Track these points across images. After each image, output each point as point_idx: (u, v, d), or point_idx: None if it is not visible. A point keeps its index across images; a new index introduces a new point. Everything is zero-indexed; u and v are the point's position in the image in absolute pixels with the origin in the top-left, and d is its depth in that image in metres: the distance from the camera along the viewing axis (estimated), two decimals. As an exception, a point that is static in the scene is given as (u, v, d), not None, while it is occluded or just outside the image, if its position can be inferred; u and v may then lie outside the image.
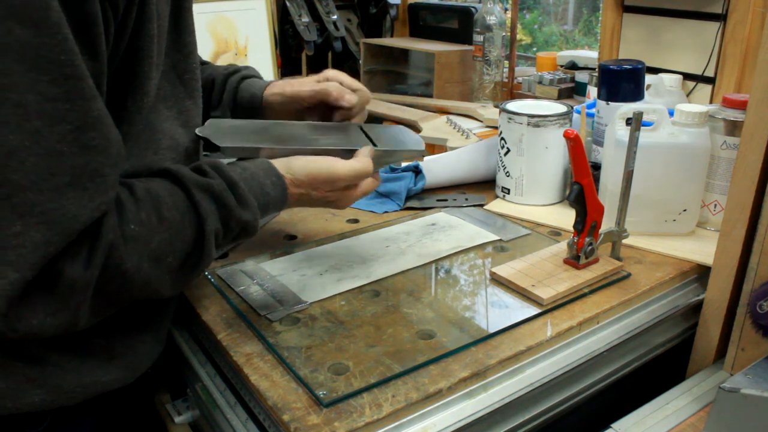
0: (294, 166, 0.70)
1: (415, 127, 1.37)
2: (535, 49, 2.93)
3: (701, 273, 0.87)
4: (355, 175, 0.72)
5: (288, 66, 1.79)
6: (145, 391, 0.84)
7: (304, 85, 0.86)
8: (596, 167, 0.98)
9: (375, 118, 1.51)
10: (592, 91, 1.29)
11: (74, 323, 0.54)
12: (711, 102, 1.19)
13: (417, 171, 1.09)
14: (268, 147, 0.72)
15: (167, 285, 0.59)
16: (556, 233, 0.96)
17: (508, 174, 1.05)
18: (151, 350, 0.71)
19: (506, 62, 1.62)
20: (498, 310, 0.75)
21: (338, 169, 0.71)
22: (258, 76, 0.92)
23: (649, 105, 0.91)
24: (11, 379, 0.59)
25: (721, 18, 1.14)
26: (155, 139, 0.63)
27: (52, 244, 0.49)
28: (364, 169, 0.73)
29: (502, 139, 1.05)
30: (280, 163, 0.70)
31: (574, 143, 0.76)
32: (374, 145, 0.79)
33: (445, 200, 1.07)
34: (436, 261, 0.86)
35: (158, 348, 0.72)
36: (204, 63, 0.95)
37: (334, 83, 0.84)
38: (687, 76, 1.22)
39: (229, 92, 0.88)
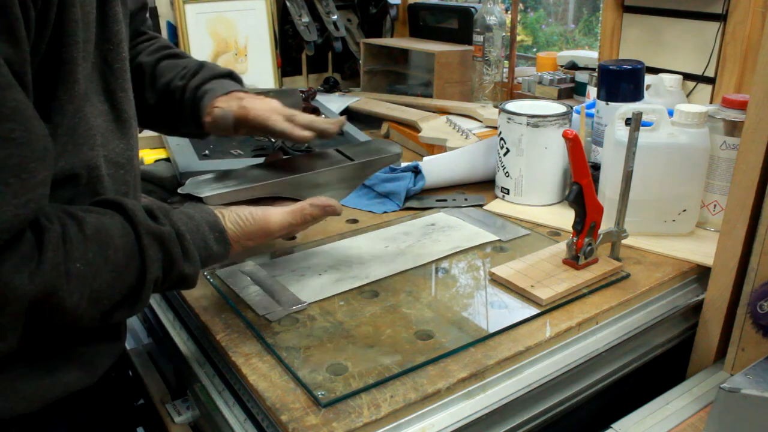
0: (229, 219, 0.68)
1: (415, 127, 1.37)
2: (535, 49, 2.93)
3: (701, 273, 0.87)
4: (284, 227, 0.71)
5: (288, 66, 1.79)
6: (117, 396, 0.81)
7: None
8: (596, 167, 0.98)
9: (375, 119, 1.51)
10: (592, 92, 1.28)
11: (6, 346, 0.52)
12: (711, 102, 1.19)
13: (416, 171, 1.09)
14: (247, 187, 0.74)
15: (95, 320, 0.58)
16: (555, 233, 0.96)
17: (507, 174, 1.05)
18: (110, 349, 0.69)
19: (506, 62, 1.62)
20: (497, 311, 0.75)
21: (269, 224, 0.70)
22: (214, 75, 0.86)
23: (648, 105, 0.91)
24: None
25: (721, 18, 1.13)
26: (90, 134, 0.61)
27: None
28: (295, 222, 0.72)
29: (502, 139, 1.04)
30: (221, 214, 0.68)
31: (573, 143, 0.76)
32: (351, 161, 0.81)
33: (445, 200, 1.07)
34: (435, 261, 0.86)
35: (117, 346, 0.70)
36: (178, 56, 0.90)
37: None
38: (687, 76, 1.22)
39: (187, 107, 0.84)
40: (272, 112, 0.80)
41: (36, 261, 0.51)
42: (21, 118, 0.49)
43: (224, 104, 0.82)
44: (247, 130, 0.83)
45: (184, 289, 0.66)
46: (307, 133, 0.79)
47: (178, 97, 0.85)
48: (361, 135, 1.32)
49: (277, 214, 0.71)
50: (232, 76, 0.88)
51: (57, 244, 0.52)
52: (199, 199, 0.72)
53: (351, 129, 1.35)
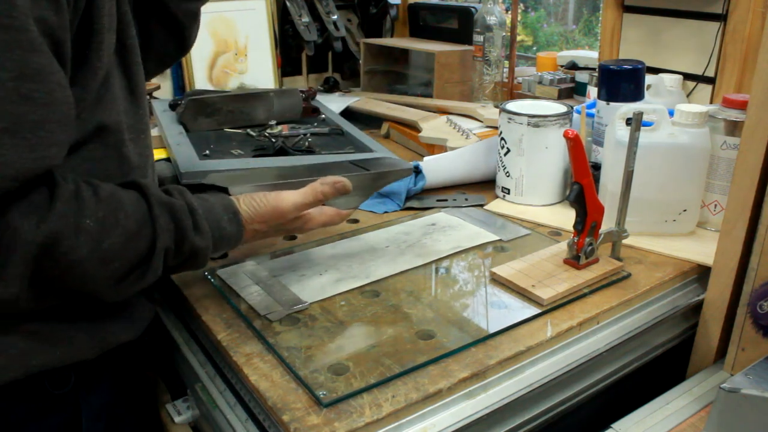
0: (243, 202, 0.71)
1: (415, 127, 1.37)
2: (535, 49, 2.93)
3: (701, 273, 0.87)
4: (297, 207, 0.73)
5: (288, 66, 1.79)
6: (150, 358, 0.87)
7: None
8: (596, 167, 0.98)
9: (375, 119, 1.51)
10: (592, 91, 1.28)
11: (13, 293, 0.54)
12: (711, 102, 1.19)
13: (417, 171, 1.09)
14: (270, 184, 0.77)
15: (109, 290, 0.60)
16: (556, 233, 0.96)
17: (508, 174, 1.05)
18: (146, 308, 0.73)
19: (506, 62, 1.62)
20: (498, 311, 0.75)
21: (281, 203, 0.72)
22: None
23: (649, 105, 0.91)
24: (29, 339, 0.60)
25: (721, 18, 1.13)
26: (116, 103, 0.64)
27: None
28: (306, 201, 0.74)
29: (502, 139, 1.05)
30: (236, 199, 0.71)
31: (573, 143, 0.76)
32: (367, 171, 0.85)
33: (445, 200, 1.07)
34: (436, 261, 0.86)
35: (150, 307, 0.75)
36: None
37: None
38: (687, 76, 1.22)
39: None
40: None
41: (45, 210, 0.54)
42: (43, 81, 0.52)
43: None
44: None
45: (195, 268, 0.68)
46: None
47: None
48: (361, 135, 1.32)
49: (289, 195, 0.73)
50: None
51: (69, 198, 0.55)
52: (225, 190, 0.74)
53: (351, 129, 1.35)
